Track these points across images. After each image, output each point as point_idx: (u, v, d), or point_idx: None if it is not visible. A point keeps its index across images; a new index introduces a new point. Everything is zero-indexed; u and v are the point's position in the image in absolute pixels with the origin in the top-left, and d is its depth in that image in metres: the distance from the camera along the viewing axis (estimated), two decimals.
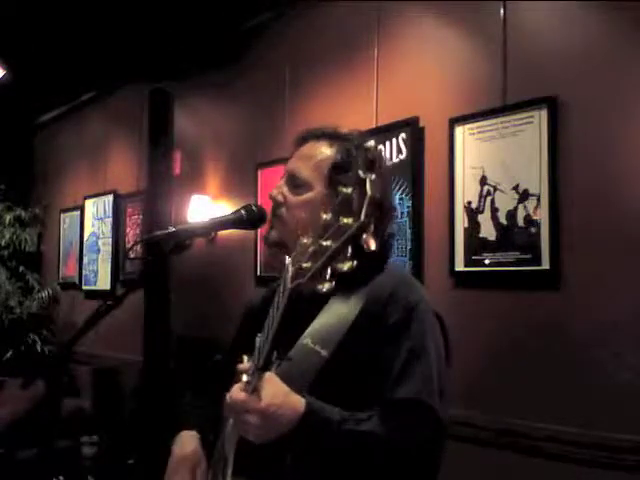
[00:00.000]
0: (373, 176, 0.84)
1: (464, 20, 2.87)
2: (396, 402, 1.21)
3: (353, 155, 1.38)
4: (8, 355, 5.39)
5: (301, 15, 3.73)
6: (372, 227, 0.82)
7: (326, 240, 0.87)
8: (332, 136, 1.43)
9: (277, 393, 1.12)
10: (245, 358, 1.17)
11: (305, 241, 0.94)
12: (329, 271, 0.88)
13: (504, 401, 2.57)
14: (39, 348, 5.49)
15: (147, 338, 4.44)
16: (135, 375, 4.55)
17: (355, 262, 0.85)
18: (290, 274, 0.97)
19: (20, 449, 3.81)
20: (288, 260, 1.02)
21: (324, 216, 0.90)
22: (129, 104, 5.11)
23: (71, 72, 4.82)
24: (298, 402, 1.14)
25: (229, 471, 1.30)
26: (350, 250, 0.85)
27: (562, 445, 2.36)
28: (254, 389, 1.10)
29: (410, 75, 3.09)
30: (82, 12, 3.88)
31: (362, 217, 0.81)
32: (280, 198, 1.40)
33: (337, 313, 1.26)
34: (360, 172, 0.84)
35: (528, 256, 2.51)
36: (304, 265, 0.91)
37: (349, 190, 0.85)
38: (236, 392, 1.13)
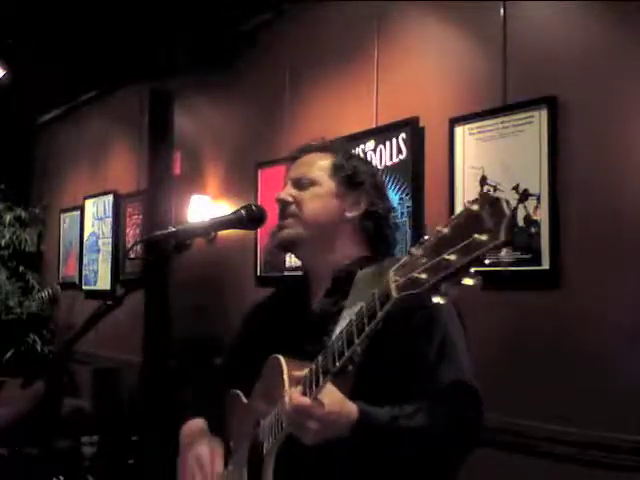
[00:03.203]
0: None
1: (464, 20, 2.87)
2: (440, 388, 1.26)
3: (348, 155, 1.49)
4: (8, 355, 5.39)
5: (301, 15, 3.73)
6: (508, 247, 0.83)
7: (450, 254, 0.86)
8: (324, 148, 1.51)
9: (335, 401, 1.16)
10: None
11: (415, 252, 0.93)
12: (444, 285, 0.88)
13: (504, 401, 2.56)
14: (39, 348, 5.50)
15: (147, 338, 4.44)
16: (135, 375, 4.55)
17: (480, 279, 0.85)
18: (394, 284, 0.96)
19: (20, 449, 3.82)
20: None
21: (441, 229, 0.89)
22: (129, 104, 5.10)
23: (71, 72, 4.82)
24: (352, 409, 1.18)
25: (269, 471, 1.31)
26: (474, 267, 0.85)
27: (562, 445, 2.36)
28: (316, 396, 1.14)
29: (410, 75, 3.09)
30: (82, 12, 3.88)
31: (503, 236, 0.81)
32: (290, 198, 1.44)
33: None
34: (488, 192, 0.84)
35: (528, 256, 2.51)
36: (419, 276, 0.90)
37: (476, 207, 0.84)
38: (298, 396, 1.15)
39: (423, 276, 0.90)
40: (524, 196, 2.54)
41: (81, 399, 4.88)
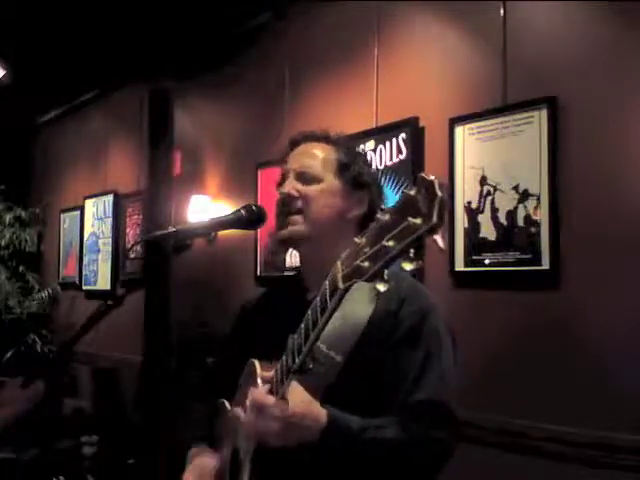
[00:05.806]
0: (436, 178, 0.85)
1: (464, 20, 2.87)
2: (413, 405, 1.24)
3: (353, 155, 1.46)
4: (8, 355, 5.39)
5: (301, 15, 3.73)
6: (442, 228, 0.83)
7: (389, 240, 0.86)
8: (326, 139, 1.48)
9: (301, 402, 1.14)
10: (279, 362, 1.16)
11: (359, 241, 0.93)
12: (386, 272, 0.89)
13: (504, 401, 2.57)
14: (39, 348, 5.50)
15: (147, 338, 4.44)
16: (135, 375, 4.55)
17: (420, 262, 0.86)
18: (341, 274, 0.96)
19: (20, 449, 3.81)
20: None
21: (381, 217, 0.89)
22: (129, 104, 5.10)
23: (71, 72, 4.82)
24: (320, 412, 1.16)
25: (245, 476, 1.30)
26: (413, 250, 0.86)
27: (562, 445, 2.36)
28: (282, 395, 1.12)
29: (410, 75, 3.09)
30: (82, 12, 3.88)
31: (435, 218, 0.81)
32: (295, 192, 1.40)
33: (348, 317, 1.25)
34: (424, 174, 0.84)
35: (528, 256, 2.51)
36: (362, 265, 0.91)
37: (412, 191, 0.85)
38: (262, 395, 1.13)
39: (365, 264, 0.91)
40: (524, 196, 2.54)
41: (81, 399, 4.88)
